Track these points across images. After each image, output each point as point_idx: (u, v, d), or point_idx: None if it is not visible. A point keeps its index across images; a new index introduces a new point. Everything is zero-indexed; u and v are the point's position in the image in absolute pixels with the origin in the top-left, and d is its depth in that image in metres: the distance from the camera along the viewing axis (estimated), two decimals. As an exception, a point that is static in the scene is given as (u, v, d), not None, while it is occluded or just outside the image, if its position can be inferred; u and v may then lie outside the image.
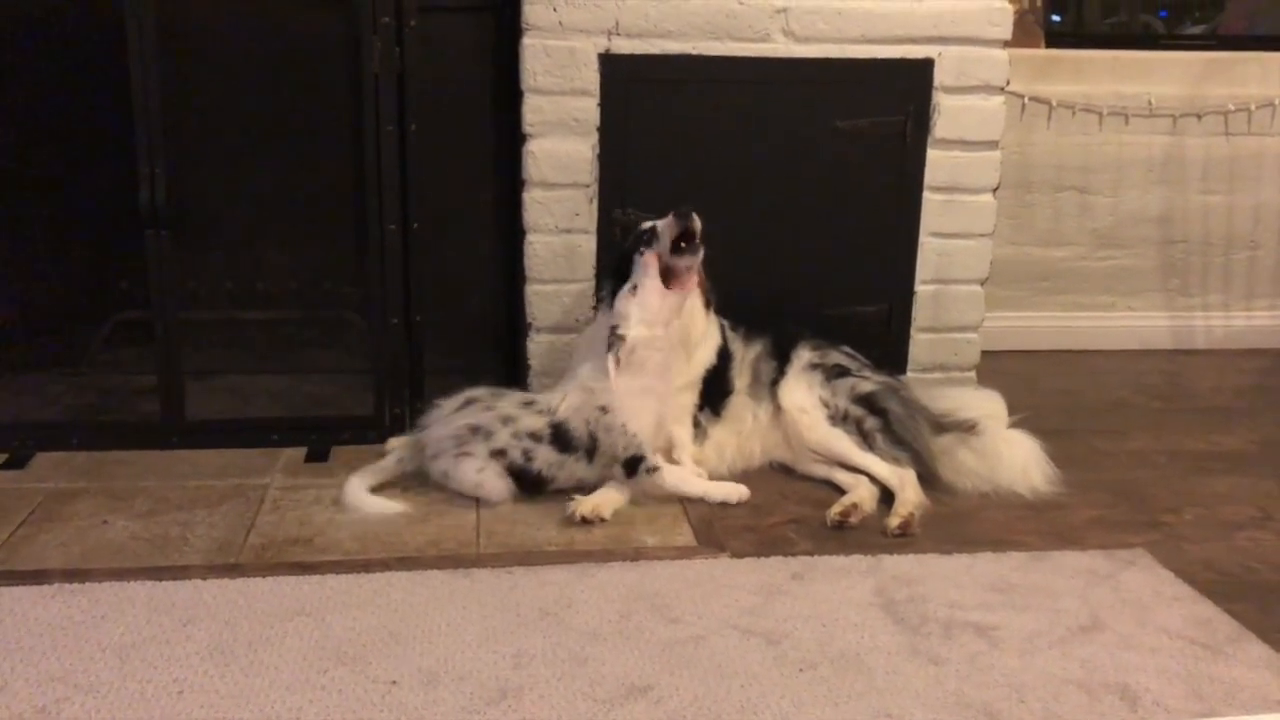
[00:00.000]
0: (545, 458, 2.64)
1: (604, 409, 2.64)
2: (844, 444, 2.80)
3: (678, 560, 2.39)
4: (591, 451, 2.65)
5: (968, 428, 2.87)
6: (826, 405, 2.85)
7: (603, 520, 2.56)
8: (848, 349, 3.02)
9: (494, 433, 2.64)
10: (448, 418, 2.70)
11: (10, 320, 3.17)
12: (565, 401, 2.67)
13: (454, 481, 2.65)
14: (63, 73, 2.96)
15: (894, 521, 2.58)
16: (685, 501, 2.68)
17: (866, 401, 2.86)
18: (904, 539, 2.54)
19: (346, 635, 2.05)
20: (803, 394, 2.87)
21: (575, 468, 2.66)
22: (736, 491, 2.71)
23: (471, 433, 2.64)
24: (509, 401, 2.73)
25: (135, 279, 2.97)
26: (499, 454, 2.63)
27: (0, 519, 2.49)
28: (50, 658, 1.96)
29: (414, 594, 2.21)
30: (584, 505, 2.56)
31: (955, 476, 2.81)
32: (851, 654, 2.04)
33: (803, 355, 2.95)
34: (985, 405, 3.00)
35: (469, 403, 2.72)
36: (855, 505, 2.63)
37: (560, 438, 2.64)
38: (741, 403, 2.92)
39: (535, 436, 2.64)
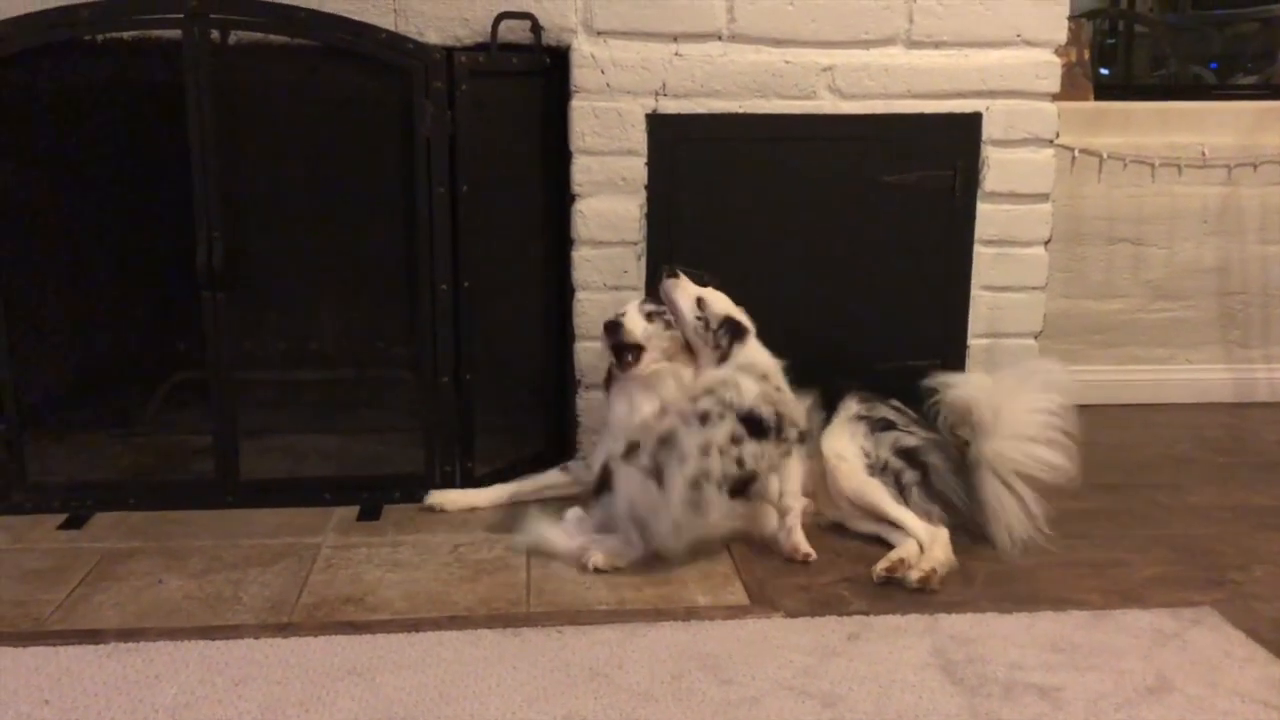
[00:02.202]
0: (752, 452, 2.59)
1: (779, 388, 2.69)
2: (879, 494, 2.76)
3: (730, 620, 2.36)
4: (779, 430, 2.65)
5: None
6: (867, 455, 2.81)
7: (616, 569, 2.56)
8: (896, 403, 2.98)
9: (710, 470, 2.53)
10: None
11: (70, 382, 3.23)
12: (745, 391, 2.63)
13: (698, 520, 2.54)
14: (122, 138, 3.04)
15: (914, 575, 2.53)
16: (737, 559, 2.65)
17: (908, 455, 2.82)
18: (922, 594, 2.49)
19: (397, 695, 2.04)
20: (844, 442, 2.84)
21: (772, 453, 2.64)
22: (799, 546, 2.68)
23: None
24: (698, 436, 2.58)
25: (191, 340, 3.01)
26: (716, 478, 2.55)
27: (58, 578, 2.52)
28: (105, 718, 1.96)
29: (464, 653, 2.19)
30: (596, 556, 2.57)
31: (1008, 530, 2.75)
32: (909, 716, 1.99)
33: (849, 407, 2.92)
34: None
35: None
36: (902, 560, 2.59)
37: (754, 426, 2.61)
38: None
39: (735, 439, 2.58)
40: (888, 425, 2.89)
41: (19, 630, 2.29)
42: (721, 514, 2.55)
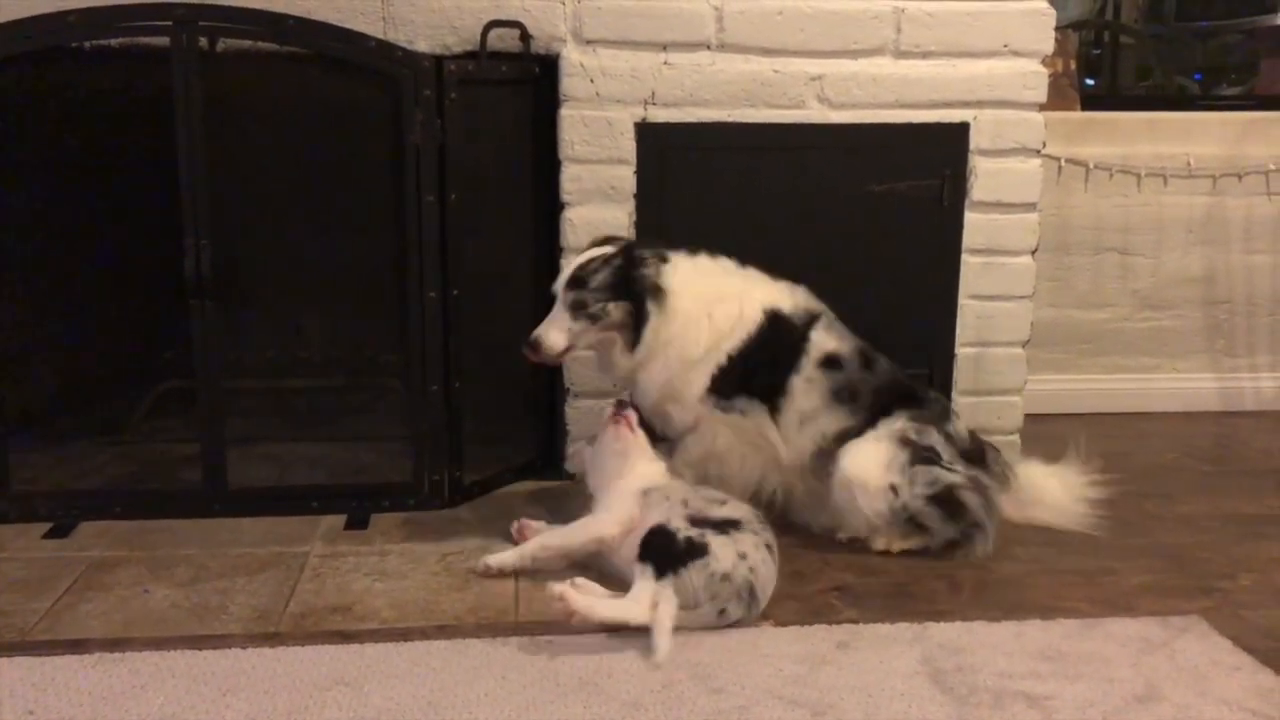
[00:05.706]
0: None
1: None
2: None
3: (719, 628, 2.35)
4: None
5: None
6: (895, 492, 2.67)
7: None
8: (951, 428, 2.78)
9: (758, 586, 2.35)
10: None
11: (55, 390, 3.21)
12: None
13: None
14: (110, 146, 3.04)
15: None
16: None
17: (942, 502, 2.68)
18: (912, 603, 2.50)
19: (385, 705, 2.03)
20: (873, 470, 2.67)
21: None
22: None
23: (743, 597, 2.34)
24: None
25: (179, 349, 3.00)
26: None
27: (43, 588, 2.51)
28: (90, 728, 1.95)
29: (452, 663, 2.19)
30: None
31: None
32: (899, 725, 2.00)
33: (897, 421, 2.73)
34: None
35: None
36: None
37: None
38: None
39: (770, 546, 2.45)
40: (931, 459, 2.69)
41: (3, 640, 2.27)
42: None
